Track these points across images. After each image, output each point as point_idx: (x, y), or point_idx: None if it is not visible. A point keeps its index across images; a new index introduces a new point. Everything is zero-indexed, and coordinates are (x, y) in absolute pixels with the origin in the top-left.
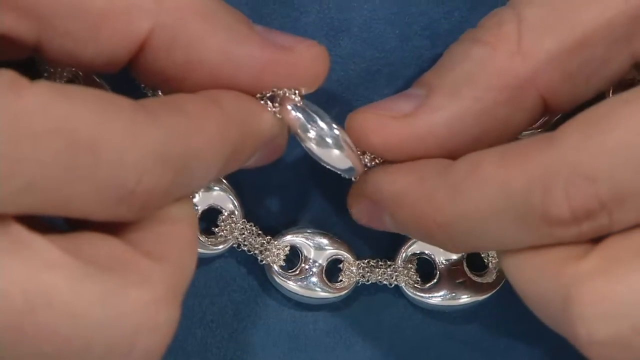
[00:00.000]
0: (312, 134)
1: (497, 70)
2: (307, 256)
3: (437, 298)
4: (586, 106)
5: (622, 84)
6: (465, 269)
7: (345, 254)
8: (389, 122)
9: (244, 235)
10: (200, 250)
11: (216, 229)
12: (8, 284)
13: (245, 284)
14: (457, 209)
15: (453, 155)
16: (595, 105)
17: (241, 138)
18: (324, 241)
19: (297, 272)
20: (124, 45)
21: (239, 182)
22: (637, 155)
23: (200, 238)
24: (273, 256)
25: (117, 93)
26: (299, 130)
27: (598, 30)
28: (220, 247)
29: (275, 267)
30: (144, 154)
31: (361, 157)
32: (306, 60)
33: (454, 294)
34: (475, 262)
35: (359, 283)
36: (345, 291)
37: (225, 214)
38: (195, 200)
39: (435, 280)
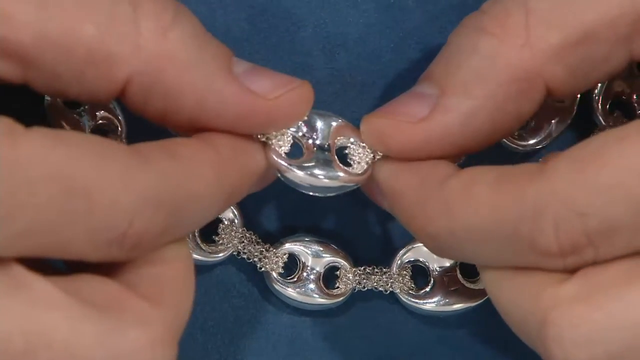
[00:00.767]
0: (298, 174)
1: (506, 65)
2: (305, 263)
3: (431, 304)
4: None
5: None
6: (459, 275)
7: (342, 262)
8: (406, 127)
9: (243, 244)
10: (201, 257)
11: (216, 237)
12: (9, 326)
13: (245, 291)
14: (446, 224)
15: (466, 150)
16: (588, 140)
17: (238, 179)
18: (322, 249)
19: (295, 279)
20: (106, 88)
21: None
22: (626, 193)
23: (201, 246)
24: (272, 264)
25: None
26: (285, 175)
27: (602, 28)
28: (221, 255)
29: (274, 274)
30: (136, 197)
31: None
32: (283, 107)
33: (447, 300)
34: (468, 269)
35: (355, 290)
36: (342, 297)
37: (226, 222)
38: None
39: (429, 287)
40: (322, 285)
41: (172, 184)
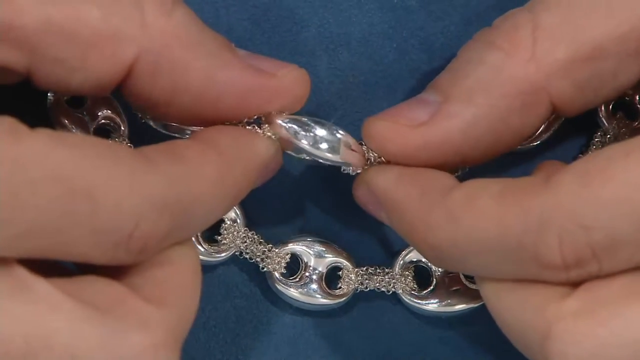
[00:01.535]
0: (306, 141)
1: (511, 78)
2: (307, 264)
3: (433, 304)
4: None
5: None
6: (461, 276)
7: (344, 262)
8: (406, 131)
9: (245, 244)
10: (203, 258)
11: (219, 237)
12: (10, 327)
13: (248, 291)
14: (449, 235)
15: (467, 160)
16: (594, 153)
17: (242, 177)
18: (324, 249)
19: (298, 279)
20: (111, 71)
21: None
22: (632, 209)
23: (204, 246)
24: (274, 264)
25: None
26: (294, 140)
27: (611, 44)
28: (223, 254)
29: (276, 275)
30: (141, 200)
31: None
32: (287, 84)
33: (449, 301)
34: None
35: (357, 290)
36: (345, 298)
37: (228, 222)
38: None
39: (431, 288)
40: (324, 285)
41: (177, 187)
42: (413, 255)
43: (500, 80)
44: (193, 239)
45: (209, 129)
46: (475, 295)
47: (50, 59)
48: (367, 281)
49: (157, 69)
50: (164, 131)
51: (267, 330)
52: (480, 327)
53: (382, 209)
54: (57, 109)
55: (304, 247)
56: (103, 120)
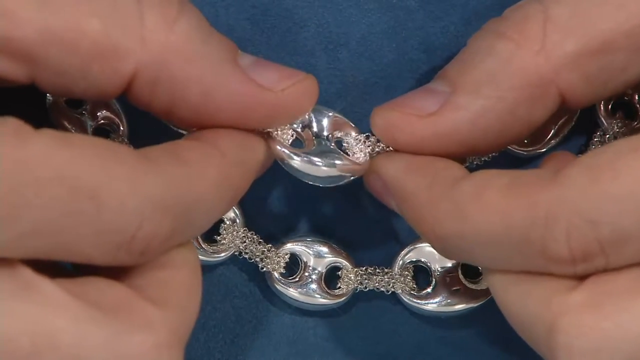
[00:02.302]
0: (298, 162)
1: (520, 69)
2: (306, 264)
3: (432, 304)
4: None
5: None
6: (460, 276)
7: (343, 262)
8: (414, 120)
9: (245, 244)
10: (202, 257)
11: (218, 237)
12: (15, 327)
13: (247, 291)
14: (456, 227)
15: (474, 150)
16: (602, 148)
17: (242, 178)
18: (323, 249)
19: (297, 279)
20: (112, 82)
21: None
22: (638, 204)
23: (203, 246)
24: (273, 264)
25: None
26: (288, 164)
27: (620, 37)
28: (222, 255)
29: (276, 275)
30: (145, 201)
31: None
32: (289, 100)
33: (449, 301)
34: (470, 269)
35: (357, 290)
36: (344, 298)
37: (227, 222)
38: None
39: (431, 288)
40: (323, 285)
41: (180, 188)
42: (412, 255)
43: (509, 71)
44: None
45: (210, 130)
46: (474, 295)
47: (51, 69)
48: (366, 281)
49: (156, 83)
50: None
51: (266, 330)
52: (480, 327)
53: (391, 197)
54: (56, 110)
55: (303, 247)
56: (102, 121)
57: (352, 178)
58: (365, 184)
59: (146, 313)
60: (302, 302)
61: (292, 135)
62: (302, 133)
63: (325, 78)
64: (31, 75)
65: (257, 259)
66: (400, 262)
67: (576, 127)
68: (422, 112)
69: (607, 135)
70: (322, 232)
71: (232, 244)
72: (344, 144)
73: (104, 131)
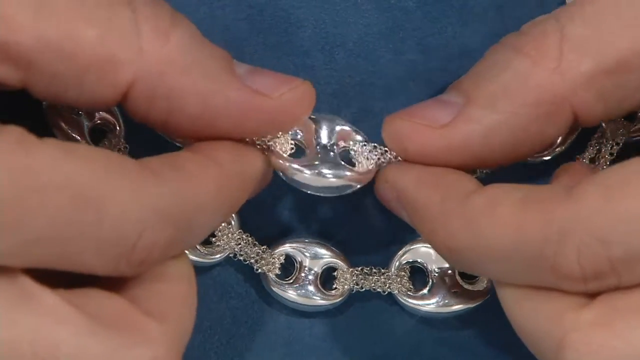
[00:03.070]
0: (304, 175)
1: (536, 86)
2: (302, 264)
3: (429, 305)
4: None
5: None
6: (457, 277)
7: (339, 262)
8: (426, 131)
9: (240, 245)
10: (198, 259)
11: (213, 239)
12: (17, 336)
13: (243, 291)
14: (469, 241)
15: (484, 163)
16: (618, 166)
17: (239, 189)
18: (319, 250)
19: (293, 280)
20: (107, 93)
21: None
22: None
23: (199, 248)
24: (269, 265)
25: None
26: (290, 177)
27: (636, 57)
28: (217, 256)
29: (271, 276)
30: (146, 210)
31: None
32: (286, 105)
33: (446, 302)
34: None
35: (353, 290)
36: (340, 298)
37: (222, 224)
38: None
39: (427, 288)
40: (319, 286)
41: (181, 198)
42: (409, 256)
43: (524, 88)
44: None
45: (207, 143)
46: (471, 296)
47: (46, 76)
48: (362, 281)
49: (153, 94)
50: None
51: (262, 331)
52: (477, 328)
53: (402, 208)
54: (52, 110)
55: (298, 248)
56: (99, 121)
57: (357, 187)
58: (376, 193)
59: (145, 327)
60: (299, 304)
61: (292, 148)
62: (303, 142)
63: (322, 78)
64: (25, 80)
65: (252, 261)
66: (397, 263)
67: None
68: (434, 123)
69: (606, 137)
70: (319, 233)
71: (227, 246)
72: (351, 152)
73: (100, 131)
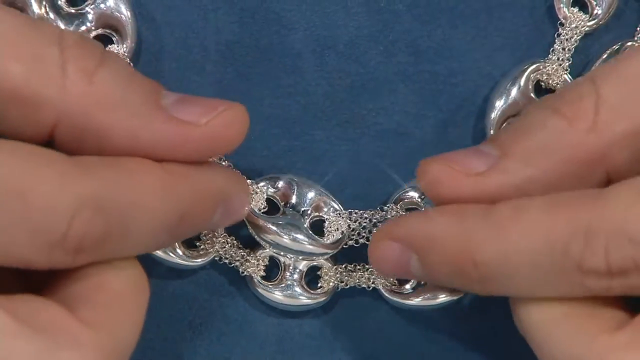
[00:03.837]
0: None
1: (570, 146)
2: (286, 264)
3: (415, 299)
4: None
5: None
6: None
7: (322, 261)
8: (461, 177)
9: (224, 249)
10: (182, 262)
11: (198, 243)
12: None
13: (233, 289)
14: (498, 248)
15: None
16: None
17: (191, 198)
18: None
19: (278, 280)
20: (31, 129)
21: None
22: None
23: (183, 251)
24: (253, 267)
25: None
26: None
27: None
28: (201, 260)
29: (257, 278)
30: (73, 199)
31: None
32: (215, 131)
33: (430, 295)
34: None
35: (338, 288)
36: (326, 296)
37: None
38: None
39: (412, 283)
40: (304, 285)
41: (112, 189)
42: None
43: (560, 146)
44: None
45: None
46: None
47: None
48: (346, 278)
49: (80, 132)
50: None
51: (252, 329)
52: (467, 325)
53: (409, 256)
54: None
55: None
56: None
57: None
58: (372, 262)
59: (75, 332)
60: (285, 304)
61: (263, 201)
62: (277, 198)
63: (313, 80)
64: None
65: (237, 264)
66: None
67: None
68: (469, 171)
69: None
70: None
71: (212, 249)
72: (324, 222)
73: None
